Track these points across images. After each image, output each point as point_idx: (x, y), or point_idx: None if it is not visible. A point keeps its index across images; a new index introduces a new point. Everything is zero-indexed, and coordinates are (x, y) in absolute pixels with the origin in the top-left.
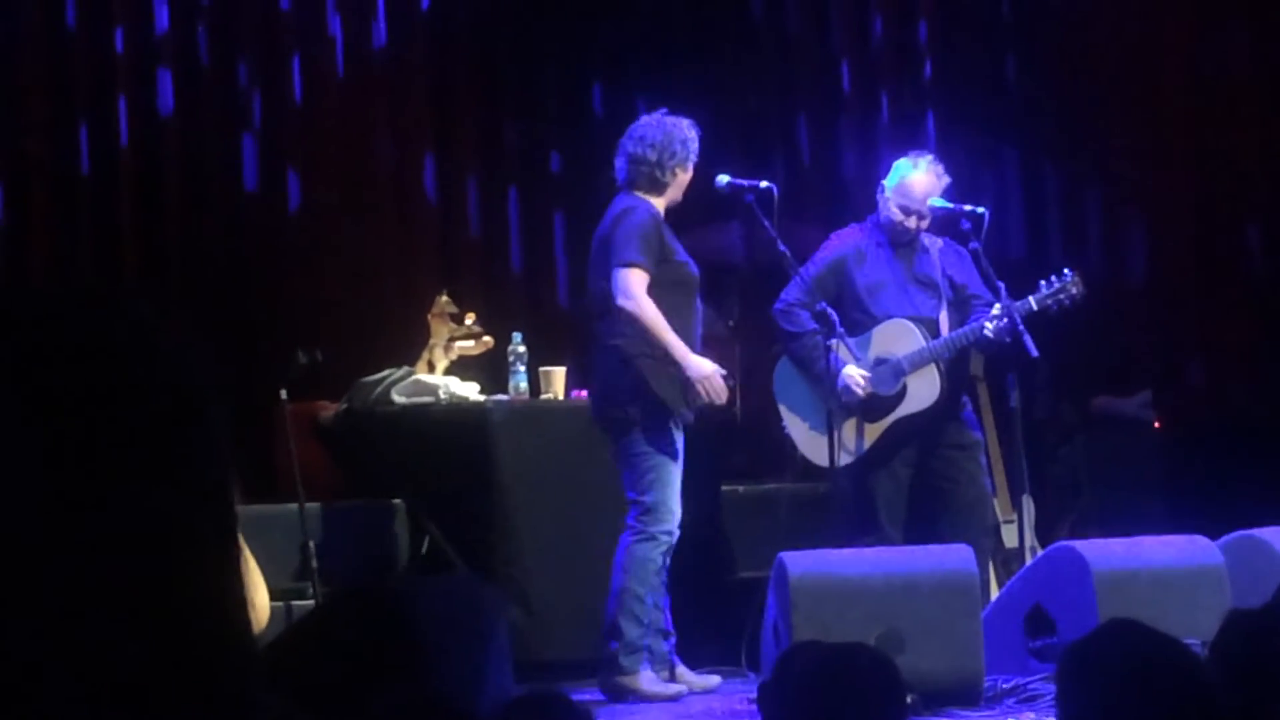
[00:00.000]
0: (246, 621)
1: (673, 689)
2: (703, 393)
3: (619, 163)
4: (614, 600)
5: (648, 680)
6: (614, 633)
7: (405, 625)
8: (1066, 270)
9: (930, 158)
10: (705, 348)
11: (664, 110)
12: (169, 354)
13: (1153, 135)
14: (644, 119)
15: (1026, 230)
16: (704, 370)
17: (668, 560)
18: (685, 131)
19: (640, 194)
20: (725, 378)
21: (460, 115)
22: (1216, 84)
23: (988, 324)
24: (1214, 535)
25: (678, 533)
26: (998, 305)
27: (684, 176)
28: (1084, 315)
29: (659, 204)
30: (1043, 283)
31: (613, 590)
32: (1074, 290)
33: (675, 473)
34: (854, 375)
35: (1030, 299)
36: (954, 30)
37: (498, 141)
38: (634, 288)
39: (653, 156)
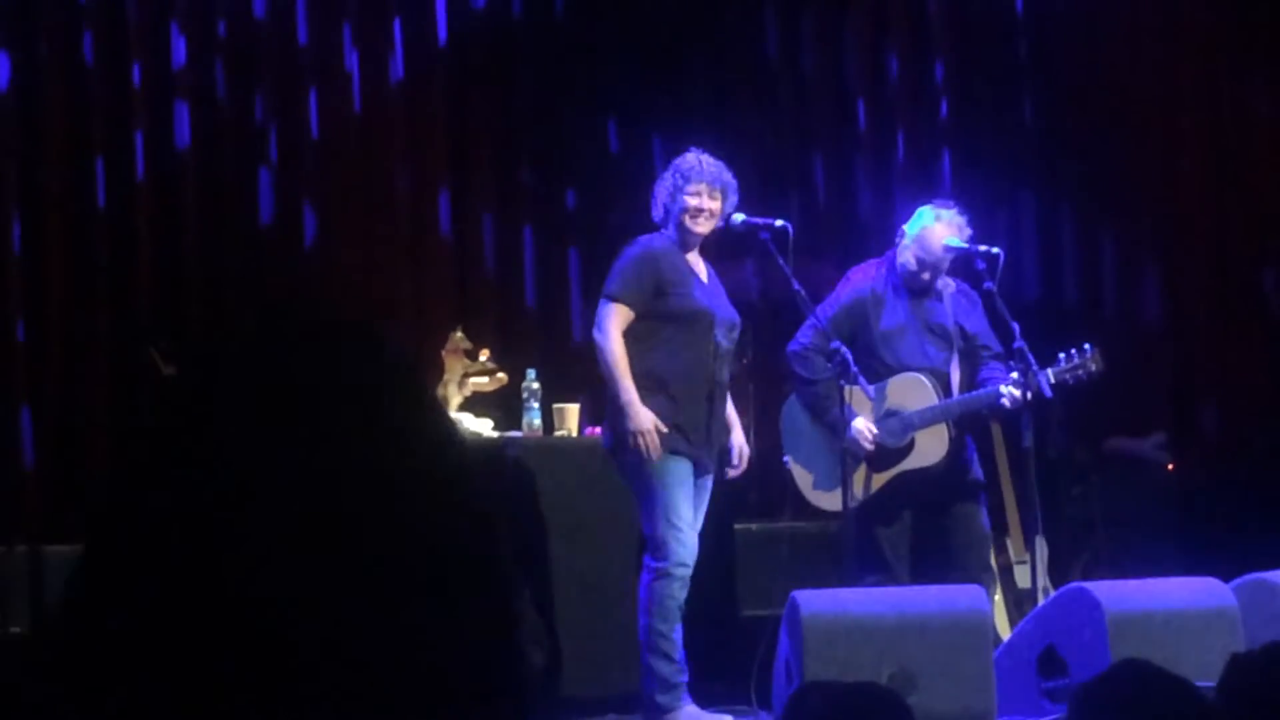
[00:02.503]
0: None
1: (714, 718)
2: (632, 444)
3: None
4: (642, 642)
5: (686, 716)
6: (648, 674)
7: None
8: (1086, 345)
9: (954, 211)
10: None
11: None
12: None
13: (1170, 177)
14: None
15: (1042, 271)
16: (641, 424)
17: (684, 593)
18: (678, 159)
19: (662, 229)
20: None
21: (476, 152)
22: (1235, 126)
23: (1005, 390)
24: (1226, 577)
25: (690, 565)
26: (1009, 364)
27: (677, 202)
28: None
29: (674, 237)
30: (1061, 356)
31: (640, 631)
32: (1093, 366)
33: (679, 504)
34: (862, 431)
35: (1049, 371)
36: (970, 70)
37: (513, 178)
38: (606, 322)
39: (656, 191)
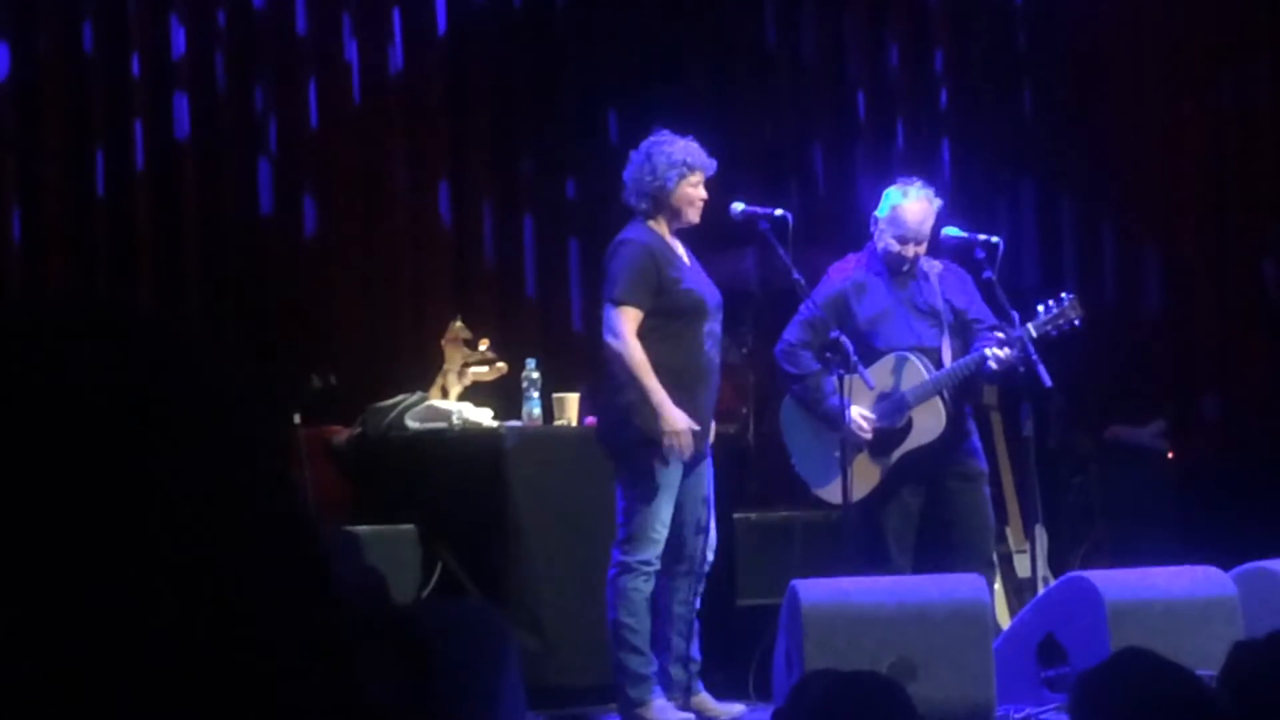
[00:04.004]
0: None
1: (681, 716)
2: (667, 445)
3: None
4: (610, 635)
5: (658, 709)
6: (617, 667)
7: (418, 651)
8: (1064, 294)
9: (919, 183)
10: (720, 374)
11: (662, 130)
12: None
13: (1170, 166)
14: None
15: (1041, 260)
16: (676, 425)
17: (677, 587)
18: (669, 147)
19: (644, 220)
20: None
21: (476, 141)
22: (1235, 115)
23: (989, 352)
24: (1226, 566)
25: (657, 564)
26: (1001, 333)
27: (681, 192)
28: (1098, 344)
29: (662, 226)
30: (1040, 308)
31: (608, 626)
32: (1072, 314)
33: (659, 501)
34: (859, 420)
35: (1029, 326)
36: (970, 60)
37: (513, 167)
38: (620, 326)
39: (636, 178)
